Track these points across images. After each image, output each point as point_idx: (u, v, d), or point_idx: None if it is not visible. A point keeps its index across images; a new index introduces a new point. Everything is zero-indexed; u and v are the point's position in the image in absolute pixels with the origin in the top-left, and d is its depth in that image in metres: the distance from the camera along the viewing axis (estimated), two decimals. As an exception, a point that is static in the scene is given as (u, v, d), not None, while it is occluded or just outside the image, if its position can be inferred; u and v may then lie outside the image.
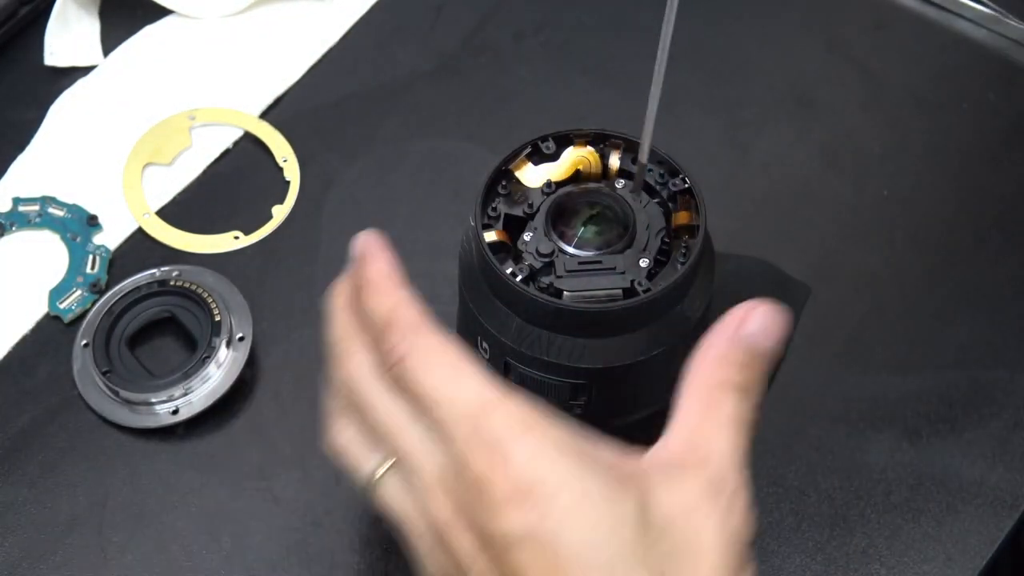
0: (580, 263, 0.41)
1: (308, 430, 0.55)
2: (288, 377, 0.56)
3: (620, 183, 0.44)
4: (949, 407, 0.56)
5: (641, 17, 0.67)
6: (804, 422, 0.55)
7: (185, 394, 0.54)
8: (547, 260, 0.41)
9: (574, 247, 0.42)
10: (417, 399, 0.37)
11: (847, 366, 0.57)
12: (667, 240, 0.42)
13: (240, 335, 0.56)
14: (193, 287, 0.56)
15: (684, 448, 0.37)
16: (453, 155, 0.64)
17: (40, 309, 0.58)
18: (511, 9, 0.70)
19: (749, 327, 0.38)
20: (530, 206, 0.43)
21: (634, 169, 0.43)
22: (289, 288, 0.59)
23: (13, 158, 0.63)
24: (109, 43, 0.68)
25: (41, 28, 0.66)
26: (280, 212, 0.61)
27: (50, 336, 0.57)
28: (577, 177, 0.44)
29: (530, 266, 0.41)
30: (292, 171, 0.63)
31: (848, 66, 0.68)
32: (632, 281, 0.41)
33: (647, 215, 0.43)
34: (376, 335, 0.38)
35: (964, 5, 0.69)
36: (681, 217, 0.42)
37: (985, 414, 0.55)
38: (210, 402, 0.54)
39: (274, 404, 0.56)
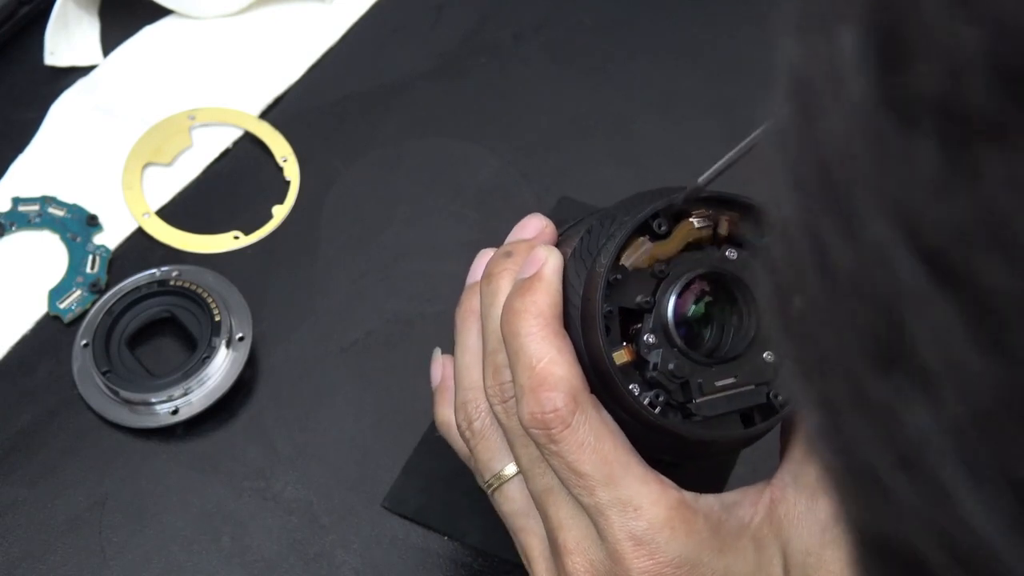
0: (713, 378, 0.37)
1: (308, 430, 0.55)
2: (288, 377, 0.56)
3: (731, 253, 0.38)
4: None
5: (641, 17, 0.67)
6: (804, 422, 0.55)
7: (185, 394, 0.54)
8: (680, 381, 0.37)
9: (699, 348, 0.38)
10: (570, 476, 0.37)
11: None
12: None
13: (240, 335, 0.56)
14: (193, 287, 0.56)
15: (806, 465, 0.37)
16: (453, 155, 0.64)
17: (40, 309, 0.58)
18: (511, 9, 0.70)
19: None
20: (644, 296, 0.37)
21: (744, 235, 0.39)
22: (289, 288, 0.59)
23: (13, 158, 0.63)
24: (109, 43, 0.67)
25: (41, 28, 0.65)
26: (280, 212, 0.61)
27: (50, 336, 0.57)
28: (685, 247, 0.39)
29: (663, 387, 0.37)
30: (292, 171, 0.63)
31: (848, 66, 0.68)
32: (768, 395, 0.37)
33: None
34: (529, 383, 0.37)
35: (964, 5, 0.69)
36: None
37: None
38: (210, 402, 0.54)
39: (274, 404, 0.56)
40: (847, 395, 0.19)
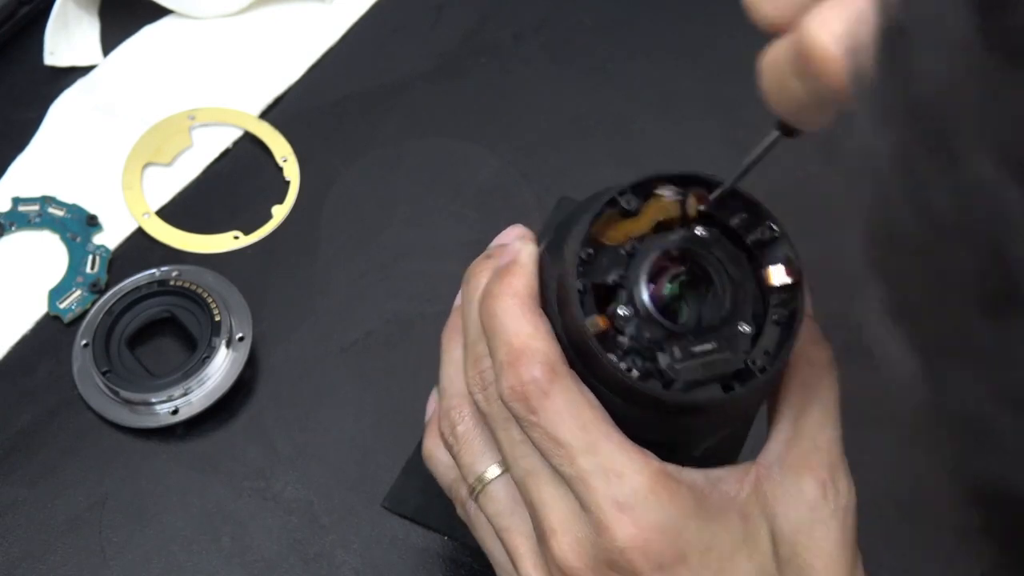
0: (690, 345, 0.37)
1: (308, 430, 0.55)
2: (288, 377, 0.56)
3: (700, 230, 0.39)
4: (949, 407, 0.55)
5: (641, 17, 0.67)
6: (804, 422, 0.55)
7: (185, 394, 0.54)
8: (656, 346, 0.37)
9: (673, 316, 0.39)
10: (551, 447, 0.36)
11: (847, 366, 0.57)
12: (758, 295, 0.39)
13: (240, 335, 0.55)
14: (193, 287, 0.56)
15: (794, 445, 0.38)
16: (453, 155, 0.64)
17: (40, 309, 0.58)
18: (511, 9, 0.70)
19: (808, 304, 0.39)
20: (618, 271, 0.38)
21: (715, 211, 0.40)
22: (289, 288, 0.59)
23: (13, 158, 0.63)
24: (109, 43, 0.67)
25: (41, 28, 0.65)
26: (280, 212, 0.61)
27: (50, 336, 0.57)
28: (656, 227, 0.39)
29: (637, 353, 0.37)
30: (292, 171, 0.63)
31: (848, 66, 0.68)
32: (745, 361, 0.38)
33: (735, 267, 0.39)
34: (506, 359, 0.37)
35: (964, 5, 0.69)
36: (774, 273, 0.39)
37: (985, 414, 0.55)
38: (210, 402, 0.54)
39: (273, 404, 0.56)
40: (953, 339, 0.18)
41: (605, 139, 0.64)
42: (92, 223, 0.60)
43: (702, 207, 0.39)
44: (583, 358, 0.37)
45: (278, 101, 0.66)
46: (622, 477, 0.35)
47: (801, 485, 0.37)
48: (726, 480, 0.38)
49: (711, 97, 0.66)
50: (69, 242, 0.59)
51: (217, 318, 0.55)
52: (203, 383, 0.54)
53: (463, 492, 0.40)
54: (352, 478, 0.53)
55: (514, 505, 0.39)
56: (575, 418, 0.36)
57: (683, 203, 0.40)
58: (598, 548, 0.36)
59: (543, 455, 0.37)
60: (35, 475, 0.53)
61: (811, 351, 0.39)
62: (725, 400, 0.37)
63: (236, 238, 0.61)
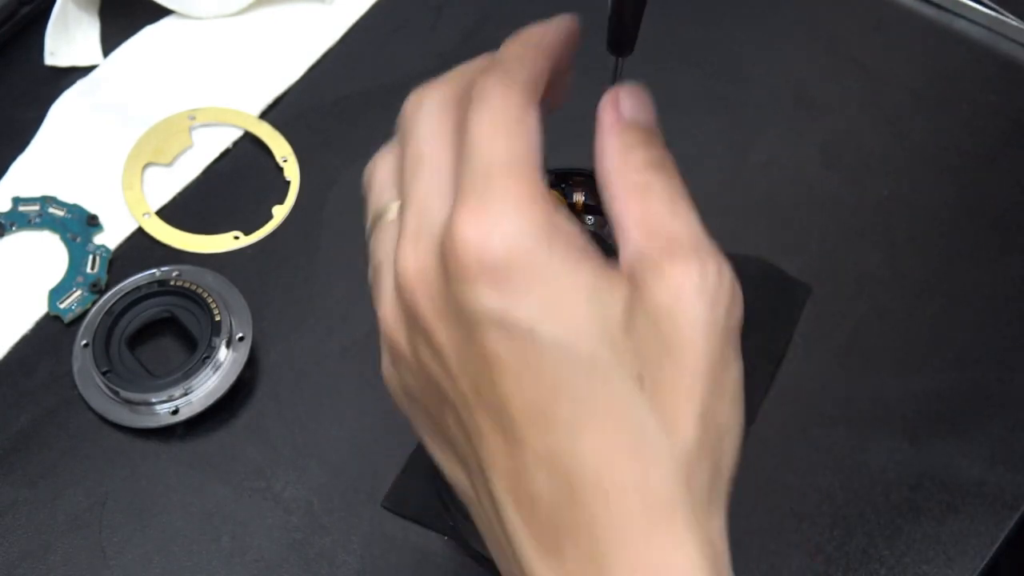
0: None
1: (308, 430, 0.55)
2: (288, 377, 0.56)
3: (588, 219, 0.43)
4: (949, 407, 0.56)
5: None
6: (804, 422, 0.55)
7: (185, 394, 0.54)
8: None
9: None
10: (464, 139, 0.33)
11: (847, 366, 0.57)
12: None
13: (240, 335, 0.56)
14: (193, 287, 0.56)
15: (647, 243, 0.33)
16: (453, 155, 0.64)
17: (40, 309, 0.58)
18: (511, 9, 0.70)
19: (628, 111, 0.37)
20: None
21: (598, 204, 0.41)
22: (289, 288, 0.59)
23: (13, 158, 0.63)
24: (109, 43, 0.68)
25: (41, 28, 0.65)
26: (280, 212, 0.61)
27: (50, 336, 0.57)
28: None
29: None
30: (292, 171, 0.63)
31: (848, 66, 0.68)
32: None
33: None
34: (480, 66, 0.34)
35: (964, 5, 0.69)
36: None
37: (985, 414, 0.55)
38: (210, 402, 0.54)
39: (274, 404, 0.56)
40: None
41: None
42: (92, 223, 0.60)
43: (580, 199, 0.43)
44: None
45: (278, 101, 0.66)
46: (499, 171, 0.32)
47: (663, 272, 0.32)
48: (598, 252, 0.33)
49: (711, 97, 0.66)
50: (69, 242, 0.60)
51: (217, 318, 0.55)
52: (203, 383, 0.54)
53: (367, 234, 0.37)
54: (352, 478, 0.53)
55: (392, 241, 0.34)
56: (508, 118, 0.33)
57: (567, 196, 0.43)
58: (439, 249, 0.32)
59: (448, 151, 0.34)
60: (35, 475, 0.54)
61: (627, 156, 0.35)
62: None
63: (236, 238, 0.61)
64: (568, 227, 0.32)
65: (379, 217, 0.35)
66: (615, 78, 0.39)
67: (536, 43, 0.36)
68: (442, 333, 0.32)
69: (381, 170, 0.37)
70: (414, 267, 0.32)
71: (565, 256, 0.32)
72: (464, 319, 0.31)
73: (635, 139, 0.36)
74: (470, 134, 0.33)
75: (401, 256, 0.32)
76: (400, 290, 0.33)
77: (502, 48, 0.36)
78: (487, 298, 0.31)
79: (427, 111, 0.36)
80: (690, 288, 0.32)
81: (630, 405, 0.31)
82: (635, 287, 0.32)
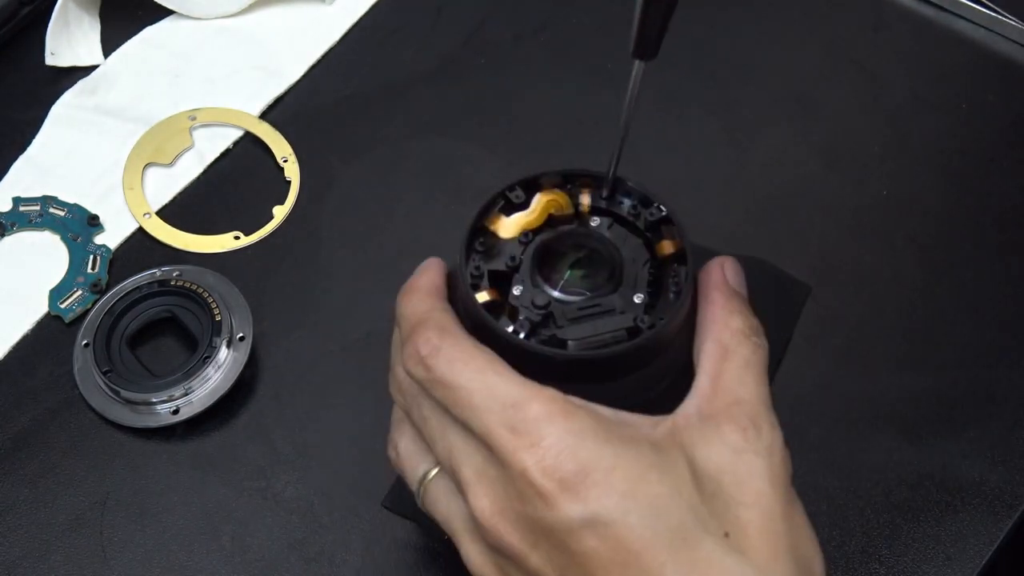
0: (579, 309, 0.40)
1: (308, 430, 0.55)
2: (288, 377, 0.56)
3: (595, 221, 0.43)
4: (949, 407, 0.56)
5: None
6: (804, 422, 0.55)
7: (185, 394, 0.54)
8: (544, 312, 0.40)
9: (566, 294, 0.41)
10: (450, 395, 0.37)
11: (847, 366, 0.57)
12: (653, 270, 0.42)
13: (240, 335, 0.56)
14: (193, 287, 0.56)
15: (713, 400, 0.37)
16: (453, 155, 0.64)
17: (41, 309, 0.58)
18: (511, 9, 0.70)
19: (732, 278, 0.40)
20: (512, 259, 0.42)
21: (606, 205, 0.43)
22: (289, 288, 0.59)
23: (13, 158, 0.63)
24: (109, 44, 0.68)
25: (42, 29, 0.66)
26: (280, 212, 0.62)
27: (51, 336, 0.57)
28: (550, 221, 0.43)
29: (529, 320, 0.40)
30: (292, 171, 0.63)
31: (848, 66, 0.68)
32: (634, 319, 0.40)
33: (630, 248, 0.42)
34: (406, 337, 0.39)
35: (964, 5, 0.69)
36: (665, 246, 0.42)
37: (985, 414, 0.55)
38: (210, 402, 0.54)
39: (274, 404, 0.56)
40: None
41: (605, 139, 0.64)
42: (93, 223, 0.60)
43: (587, 200, 0.43)
44: (479, 331, 0.40)
45: (278, 101, 0.66)
46: (517, 406, 0.36)
47: (721, 431, 0.37)
48: (637, 421, 0.37)
49: (711, 97, 0.66)
50: (70, 242, 0.60)
51: (218, 318, 0.55)
52: (204, 383, 0.54)
53: (418, 501, 0.41)
54: (352, 478, 0.53)
55: (449, 494, 0.39)
56: (467, 363, 0.37)
57: (574, 197, 0.43)
58: (507, 486, 0.36)
59: (448, 411, 0.37)
60: (35, 475, 0.54)
61: (728, 319, 0.39)
62: (614, 355, 0.39)
63: (237, 238, 0.61)
64: (597, 411, 0.36)
65: (423, 483, 0.40)
66: (634, 82, 0.40)
67: (427, 290, 0.41)
68: (534, 556, 0.36)
69: (402, 446, 0.42)
70: (490, 508, 0.36)
71: (618, 440, 0.36)
72: (556, 535, 0.35)
73: (738, 306, 0.40)
74: (455, 390, 0.37)
75: (475, 504, 0.36)
76: (483, 531, 0.36)
77: (399, 308, 0.41)
78: (573, 509, 0.34)
79: (411, 393, 0.40)
80: (745, 446, 0.36)
81: (727, 561, 0.34)
82: (692, 443, 0.36)
